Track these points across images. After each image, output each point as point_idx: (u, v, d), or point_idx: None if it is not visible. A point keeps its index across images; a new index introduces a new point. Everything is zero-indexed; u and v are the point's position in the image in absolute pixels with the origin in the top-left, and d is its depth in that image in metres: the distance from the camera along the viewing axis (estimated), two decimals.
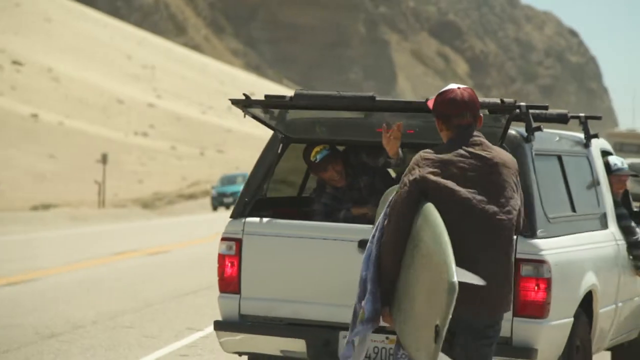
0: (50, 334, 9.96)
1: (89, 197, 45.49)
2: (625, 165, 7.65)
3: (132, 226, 30.09)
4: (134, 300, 12.40)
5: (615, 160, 7.56)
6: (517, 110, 5.81)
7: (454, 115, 4.99)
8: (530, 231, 5.81)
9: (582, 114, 6.96)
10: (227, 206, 43.85)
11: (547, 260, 5.78)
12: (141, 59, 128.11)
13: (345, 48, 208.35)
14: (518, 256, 5.68)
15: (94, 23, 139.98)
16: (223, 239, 6.28)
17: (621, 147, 49.94)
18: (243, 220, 6.30)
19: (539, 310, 5.73)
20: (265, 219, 6.31)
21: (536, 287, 5.73)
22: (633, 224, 7.29)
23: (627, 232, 7.22)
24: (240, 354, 6.37)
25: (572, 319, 6.03)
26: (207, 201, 46.16)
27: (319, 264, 6.12)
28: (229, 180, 45.81)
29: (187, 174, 64.21)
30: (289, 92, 6.88)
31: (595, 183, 6.98)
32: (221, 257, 6.26)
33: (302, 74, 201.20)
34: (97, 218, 34.53)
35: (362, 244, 5.89)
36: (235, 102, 6.30)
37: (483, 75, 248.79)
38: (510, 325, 5.72)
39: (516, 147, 6.03)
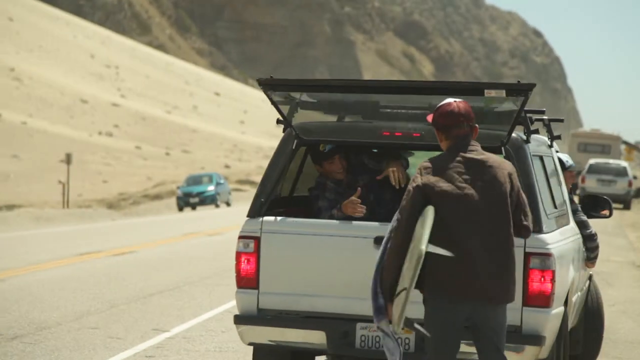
0: (14, 335, 9.85)
1: (53, 198, 45.14)
2: (572, 161, 8.21)
3: (97, 226, 29.89)
4: (99, 301, 12.30)
5: (565, 157, 8.06)
6: (530, 93, 6.13)
7: (453, 126, 5.57)
8: (537, 226, 6.22)
9: (545, 117, 7.29)
10: (193, 206, 43.61)
11: (553, 254, 6.21)
12: (105, 58, 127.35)
13: (310, 48, 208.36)
14: (527, 250, 6.16)
15: (57, 22, 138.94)
16: (241, 237, 6.54)
17: (585, 148, 50.30)
18: (260, 219, 6.56)
19: (545, 300, 6.15)
20: (282, 218, 6.59)
21: (543, 279, 6.16)
22: (585, 217, 7.80)
23: (581, 225, 7.69)
24: (258, 345, 6.62)
25: (563, 308, 6.51)
26: (172, 201, 45.93)
27: (336, 260, 6.42)
28: (194, 180, 45.56)
29: (153, 174, 63.90)
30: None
31: (559, 181, 7.42)
32: (239, 255, 6.55)
33: (268, 74, 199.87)
34: (61, 218, 34.27)
35: (377, 240, 6.23)
36: (261, 82, 6.49)
37: (448, 75, 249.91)
38: (520, 314, 6.15)
39: (518, 149, 6.50)
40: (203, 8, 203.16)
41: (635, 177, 44.88)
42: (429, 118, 5.71)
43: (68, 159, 42.80)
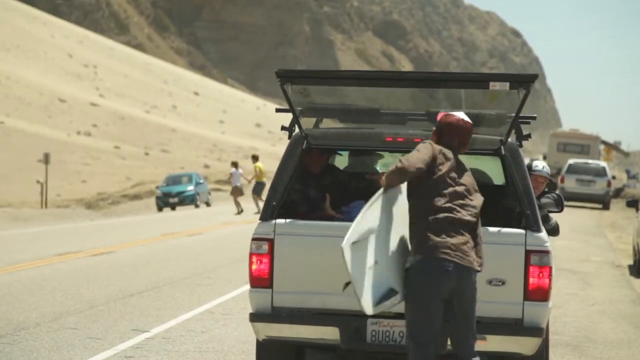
0: None
1: (31, 198, 44.88)
2: (546, 170, 8.68)
3: (75, 226, 29.73)
4: (78, 301, 12.23)
5: (537, 163, 8.67)
6: (532, 85, 6.46)
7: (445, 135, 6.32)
8: (535, 226, 6.62)
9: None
10: (173, 206, 43.41)
11: (550, 251, 6.60)
12: (83, 58, 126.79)
13: (289, 47, 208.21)
14: (528, 248, 6.54)
15: (34, 21, 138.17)
16: (254, 239, 6.83)
17: (564, 148, 50.46)
18: (273, 222, 6.84)
19: (544, 295, 6.58)
20: (293, 220, 6.88)
21: (542, 274, 6.55)
22: (546, 211, 8.32)
23: (544, 219, 8.12)
24: (273, 340, 6.88)
25: (551, 302, 6.82)
26: (152, 201, 45.73)
27: None
28: (174, 180, 45.32)
29: (132, 173, 63.64)
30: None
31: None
32: (252, 256, 6.81)
33: (247, 74, 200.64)
34: (39, 218, 34.08)
35: None
36: (279, 73, 6.64)
37: None
38: (522, 308, 6.54)
39: (514, 152, 6.93)
40: (181, 7, 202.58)
41: (614, 177, 45.08)
42: (438, 117, 6.41)
43: (46, 159, 42.54)
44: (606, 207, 39.95)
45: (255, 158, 34.44)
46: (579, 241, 23.61)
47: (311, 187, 7.50)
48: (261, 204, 34.21)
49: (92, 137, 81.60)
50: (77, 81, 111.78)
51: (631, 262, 19.22)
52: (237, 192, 34.76)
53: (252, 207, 35.33)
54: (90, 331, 10.15)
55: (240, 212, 34.43)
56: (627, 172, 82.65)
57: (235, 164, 35.86)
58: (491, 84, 6.36)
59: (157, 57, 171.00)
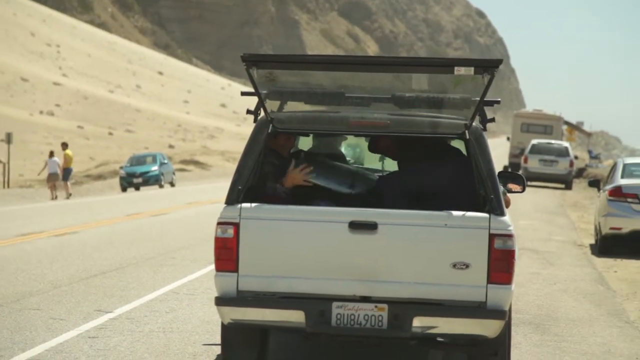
0: None
1: None
2: None
3: (38, 207, 29.51)
4: (40, 282, 12.16)
5: None
6: (496, 70, 6.50)
7: None
8: (499, 209, 6.67)
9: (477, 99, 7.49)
10: (137, 187, 43.22)
11: (514, 234, 6.67)
12: (45, 37, 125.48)
13: (255, 27, 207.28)
14: (492, 231, 6.60)
15: None
16: (219, 223, 6.82)
17: (528, 128, 50.82)
18: (239, 206, 6.82)
19: (507, 278, 6.66)
20: (259, 205, 6.85)
21: (505, 258, 6.61)
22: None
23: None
24: (238, 323, 6.87)
25: (514, 285, 6.88)
26: (115, 181, 45.48)
27: (312, 244, 6.74)
28: (138, 160, 45.08)
29: (95, 154, 63.22)
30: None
31: None
32: (218, 240, 6.81)
33: (212, 53, 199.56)
34: (2, 198, 33.77)
35: (352, 225, 6.67)
36: (245, 57, 6.64)
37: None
38: (485, 291, 6.61)
39: (479, 137, 6.94)
40: None
41: (576, 158, 45.45)
42: None
43: (8, 139, 42.13)
44: (569, 187, 40.28)
45: (64, 145, 38.08)
46: (541, 221, 23.80)
47: (279, 169, 7.45)
48: (68, 190, 37.12)
49: (55, 116, 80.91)
50: (39, 60, 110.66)
51: (592, 241, 19.42)
52: (52, 179, 36.83)
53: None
54: (53, 312, 10.11)
55: (55, 198, 36.30)
56: (589, 152, 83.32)
57: (51, 153, 37.85)
58: (456, 68, 6.40)
59: (121, 37, 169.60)
